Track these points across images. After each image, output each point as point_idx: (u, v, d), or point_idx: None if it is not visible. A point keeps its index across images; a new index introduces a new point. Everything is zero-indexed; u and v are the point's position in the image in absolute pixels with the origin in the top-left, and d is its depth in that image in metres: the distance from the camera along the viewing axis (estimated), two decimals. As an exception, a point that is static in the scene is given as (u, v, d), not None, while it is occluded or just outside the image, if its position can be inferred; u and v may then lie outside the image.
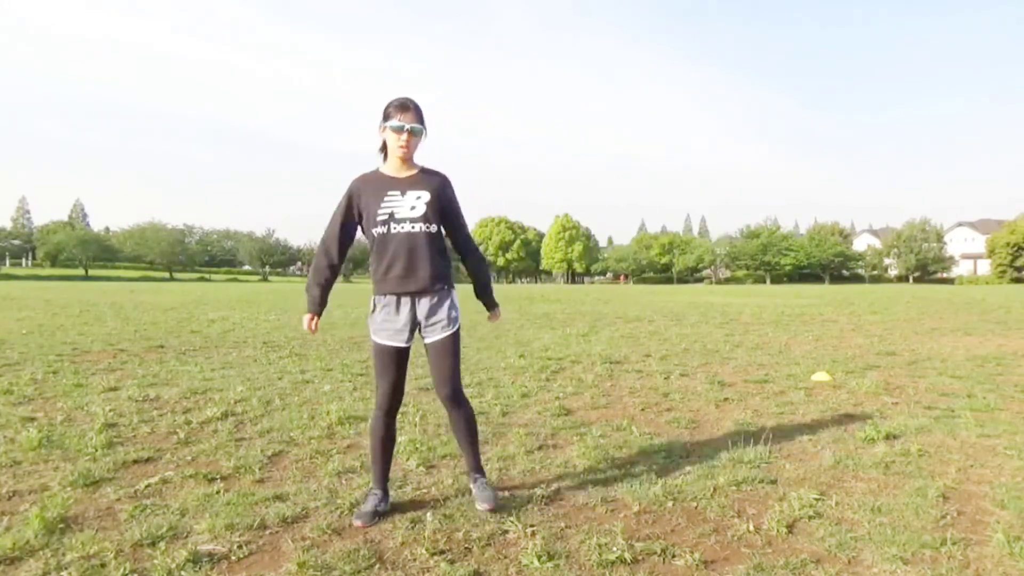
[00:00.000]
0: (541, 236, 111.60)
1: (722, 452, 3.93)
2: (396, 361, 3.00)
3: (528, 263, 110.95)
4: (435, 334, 3.01)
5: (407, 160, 2.98)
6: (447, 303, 3.02)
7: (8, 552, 2.55)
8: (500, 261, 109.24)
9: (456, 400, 3.10)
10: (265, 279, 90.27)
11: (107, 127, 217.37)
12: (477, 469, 3.19)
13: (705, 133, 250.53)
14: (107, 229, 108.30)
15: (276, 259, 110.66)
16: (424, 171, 3.04)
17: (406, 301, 2.97)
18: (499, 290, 43.96)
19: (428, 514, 2.96)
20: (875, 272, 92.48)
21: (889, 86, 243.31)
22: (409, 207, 2.93)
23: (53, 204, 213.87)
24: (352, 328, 12.06)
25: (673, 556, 2.59)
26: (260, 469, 3.59)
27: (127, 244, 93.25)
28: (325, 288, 3.11)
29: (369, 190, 2.97)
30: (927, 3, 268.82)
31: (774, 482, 3.42)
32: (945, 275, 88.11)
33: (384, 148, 3.01)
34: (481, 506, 3.03)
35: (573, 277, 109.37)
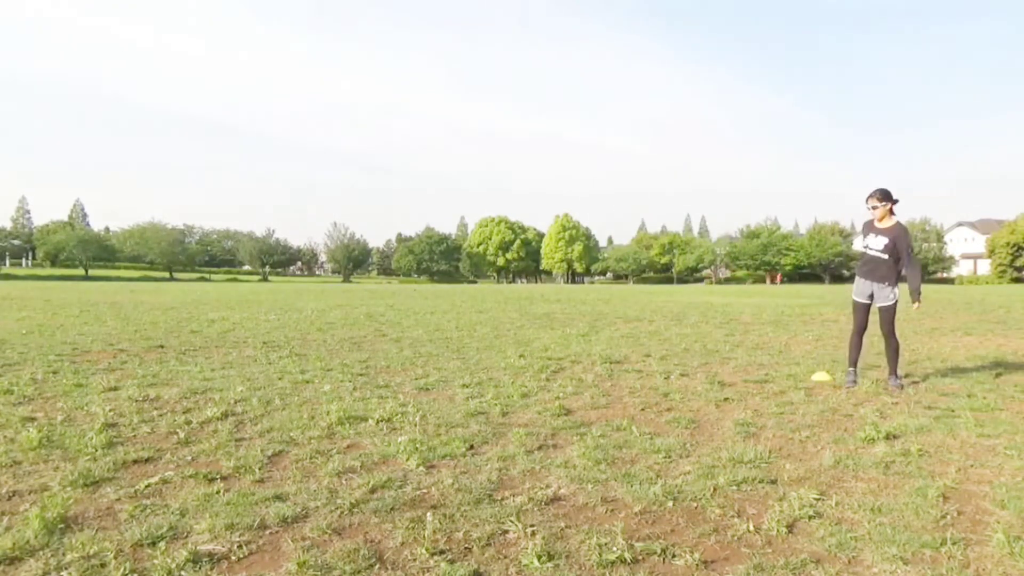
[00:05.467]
0: (541, 236, 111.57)
1: (722, 452, 3.93)
2: (863, 309, 6.14)
3: (528, 263, 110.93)
4: (880, 304, 6.04)
5: (881, 219, 5.95)
6: (891, 292, 5.96)
7: (8, 552, 2.55)
8: (500, 261, 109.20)
9: (890, 336, 6.02)
10: (265, 279, 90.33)
11: (108, 127, 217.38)
12: (894, 374, 6.02)
13: (705, 133, 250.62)
14: (107, 229, 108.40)
15: (276, 259, 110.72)
16: (893, 225, 5.90)
17: (871, 284, 6.06)
18: (498, 290, 43.94)
19: (428, 514, 2.96)
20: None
21: (889, 85, 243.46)
22: (879, 245, 5.93)
23: (53, 204, 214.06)
24: (352, 328, 12.06)
25: (673, 556, 2.59)
26: (260, 469, 3.59)
27: (127, 244, 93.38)
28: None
29: (866, 229, 6.08)
30: (927, 5, 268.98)
31: (774, 482, 3.42)
32: (945, 275, 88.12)
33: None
34: (892, 385, 5.92)
35: (573, 277, 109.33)
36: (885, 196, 5.85)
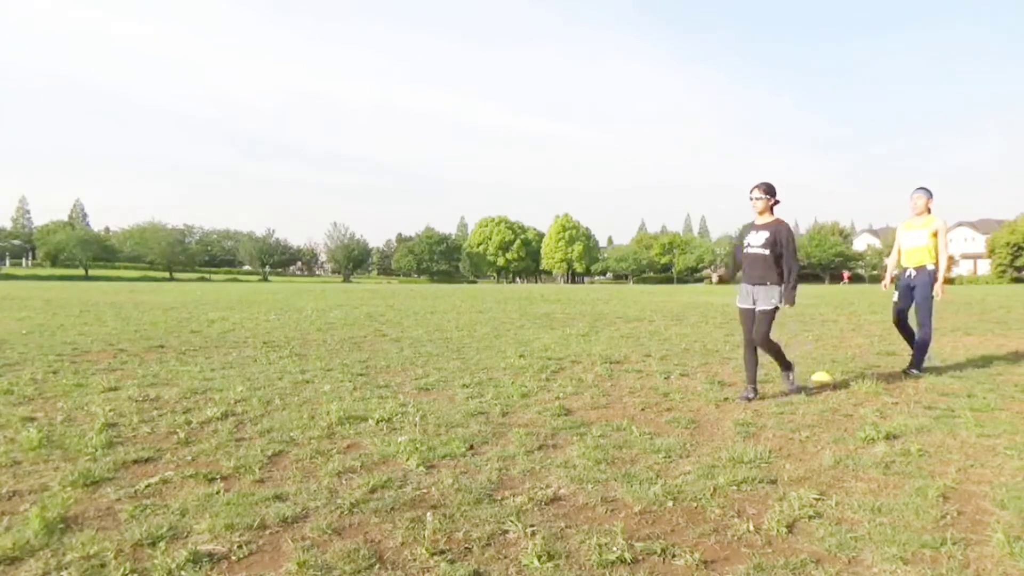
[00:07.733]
0: (541, 236, 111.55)
1: (722, 452, 3.93)
2: (749, 317, 5.64)
3: (528, 263, 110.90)
4: (761, 307, 5.55)
5: (762, 214, 5.65)
6: (772, 293, 5.50)
7: (8, 552, 2.55)
8: (500, 261, 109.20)
9: (763, 344, 5.57)
10: (265, 279, 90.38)
11: (108, 126, 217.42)
12: (786, 368, 5.82)
13: (705, 133, 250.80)
14: (107, 229, 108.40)
15: (276, 259, 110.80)
16: (773, 221, 5.63)
17: (751, 288, 5.59)
18: (498, 290, 43.96)
19: (428, 514, 2.96)
20: (875, 272, 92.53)
21: (888, 86, 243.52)
22: (760, 241, 5.56)
23: (53, 204, 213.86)
24: (352, 328, 12.06)
25: (673, 556, 2.59)
26: (260, 469, 3.59)
27: (127, 244, 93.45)
28: (731, 271, 6.10)
29: (746, 229, 5.78)
30: (927, 7, 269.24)
31: (774, 482, 3.42)
32: (945, 275, 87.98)
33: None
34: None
35: (573, 277, 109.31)
36: (769, 190, 5.61)
